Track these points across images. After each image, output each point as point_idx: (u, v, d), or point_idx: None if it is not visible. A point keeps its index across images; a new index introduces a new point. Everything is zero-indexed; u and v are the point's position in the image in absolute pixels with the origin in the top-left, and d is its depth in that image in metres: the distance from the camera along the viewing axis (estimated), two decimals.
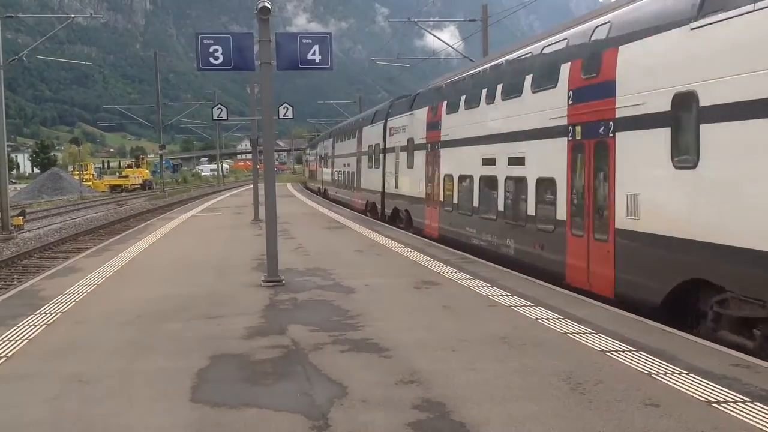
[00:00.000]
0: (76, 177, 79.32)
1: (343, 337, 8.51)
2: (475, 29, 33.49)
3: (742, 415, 5.69)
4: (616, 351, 7.65)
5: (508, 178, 14.75)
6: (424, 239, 19.08)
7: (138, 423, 5.84)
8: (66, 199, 63.14)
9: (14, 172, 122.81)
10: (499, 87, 15.35)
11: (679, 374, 6.79)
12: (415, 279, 12.65)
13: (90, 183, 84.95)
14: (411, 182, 22.79)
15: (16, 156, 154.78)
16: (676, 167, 9.21)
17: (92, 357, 7.87)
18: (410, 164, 22.85)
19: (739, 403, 5.97)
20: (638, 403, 6.02)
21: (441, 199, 19.37)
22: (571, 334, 8.47)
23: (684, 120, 9.16)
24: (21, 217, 32.26)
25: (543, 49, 13.75)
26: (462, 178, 17.75)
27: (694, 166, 8.85)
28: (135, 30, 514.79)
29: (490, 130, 15.85)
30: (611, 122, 10.73)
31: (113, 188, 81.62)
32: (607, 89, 10.86)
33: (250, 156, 58.46)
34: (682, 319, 9.29)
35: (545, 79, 13.13)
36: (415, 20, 35.41)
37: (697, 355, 7.41)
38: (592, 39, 11.66)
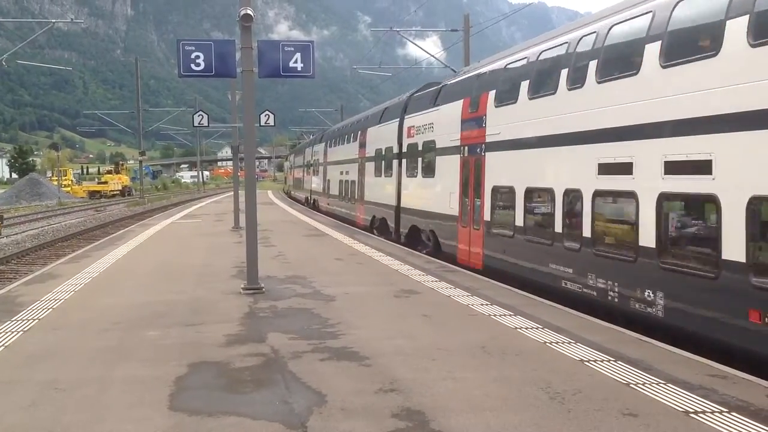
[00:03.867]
0: (55, 183, 78.62)
1: (322, 345, 8.50)
2: (456, 39, 33.66)
3: (719, 426, 5.74)
4: (595, 361, 7.69)
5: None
6: (405, 249, 19.20)
7: (115, 430, 5.79)
8: (44, 205, 62.54)
9: None
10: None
11: (656, 384, 6.83)
12: (396, 288, 12.66)
13: (69, 189, 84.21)
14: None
15: None
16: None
17: (69, 364, 7.80)
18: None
19: (716, 414, 6.02)
20: (616, 413, 6.05)
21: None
22: (550, 343, 8.50)
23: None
24: None
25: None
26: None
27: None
28: (116, 35, 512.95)
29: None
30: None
31: (92, 194, 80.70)
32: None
33: (230, 163, 59.10)
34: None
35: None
36: (398, 29, 35.47)
37: (674, 366, 7.47)
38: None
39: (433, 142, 18.20)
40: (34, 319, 10.11)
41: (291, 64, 12.20)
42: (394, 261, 16.26)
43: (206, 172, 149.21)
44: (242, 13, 11.98)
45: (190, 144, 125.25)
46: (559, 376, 7.15)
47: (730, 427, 5.72)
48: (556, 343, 8.52)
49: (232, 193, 30.00)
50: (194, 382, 7.12)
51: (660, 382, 6.89)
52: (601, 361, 7.66)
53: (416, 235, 20.02)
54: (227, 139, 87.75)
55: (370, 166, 26.00)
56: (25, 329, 9.49)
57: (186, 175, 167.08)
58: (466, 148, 15.99)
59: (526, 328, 9.31)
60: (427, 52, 36.22)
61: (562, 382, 6.92)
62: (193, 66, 11.95)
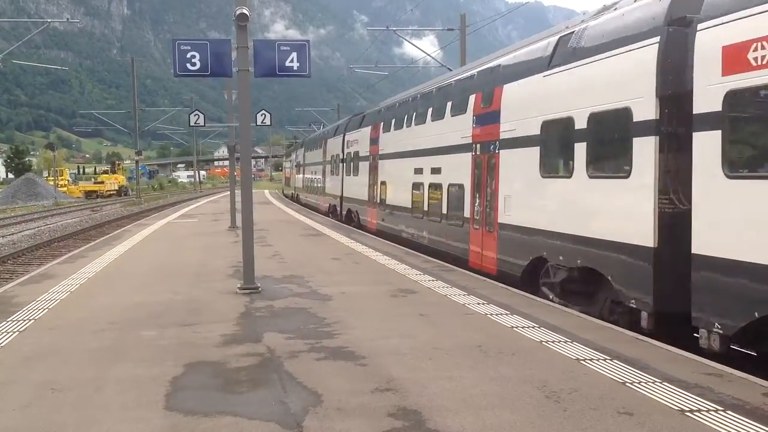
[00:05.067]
0: (51, 183, 78.50)
1: (319, 345, 8.49)
2: (453, 38, 33.73)
3: (714, 424, 5.74)
4: (591, 360, 7.70)
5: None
6: (401, 248, 19.15)
7: (111, 431, 5.78)
8: (41, 205, 62.48)
9: None
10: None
11: (652, 383, 6.84)
12: (392, 287, 12.66)
13: (65, 189, 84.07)
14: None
15: None
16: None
17: (65, 364, 7.79)
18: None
19: (712, 412, 6.02)
20: (612, 412, 6.06)
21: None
22: (546, 342, 8.51)
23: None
24: None
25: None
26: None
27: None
28: (112, 35, 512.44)
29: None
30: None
31: (88, 194, 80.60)
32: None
33: (227, 163, 60.18)
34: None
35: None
36: (394, 29, 35.49)
37: (670, 364, 7.47)
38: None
39: None
40: (30, 320, 10.09)
41: (287, 64, 12.17)
42: (390, 260, 16.25)
43: (203, 172, 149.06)
44: (238, 12, 11.97)
45: (186, 144, 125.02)
46: (555, 375, 7.15)
47: (726, 425, 5.72)
48: (553, 342, 8.53)
49: (229, 192, 29.98)
50: (190, 382, 7.11)
51: (656, 381, 6.89)
52: (597, 360, 7.67)
53: None
54: (224, 138, 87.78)
55: (518, 157, 13.40)
56: (21, 329, 9.47)
57: (182, 175, 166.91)
58: None
59: (523, 327, 9.32)
60: (424, 51, 36.25)
61: (558, 381, 6.92)
62: (188, 65, 11.92)
